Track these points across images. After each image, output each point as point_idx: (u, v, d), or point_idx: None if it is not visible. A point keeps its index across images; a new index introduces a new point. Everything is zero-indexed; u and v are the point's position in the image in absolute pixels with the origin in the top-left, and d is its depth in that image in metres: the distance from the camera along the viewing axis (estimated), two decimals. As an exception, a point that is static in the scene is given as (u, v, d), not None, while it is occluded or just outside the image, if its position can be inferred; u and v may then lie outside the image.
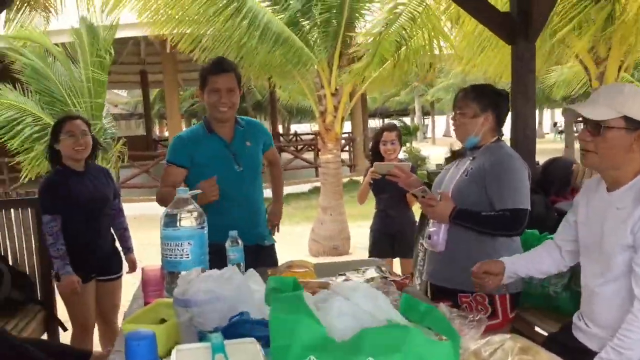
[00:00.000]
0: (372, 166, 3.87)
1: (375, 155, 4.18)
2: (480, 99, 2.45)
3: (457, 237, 2.45)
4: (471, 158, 2.49)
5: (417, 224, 4.17)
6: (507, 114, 2.56)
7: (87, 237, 3.17)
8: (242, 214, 2.74)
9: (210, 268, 2.01)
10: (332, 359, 1.05)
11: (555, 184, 3.54)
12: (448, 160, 2.72)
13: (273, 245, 3.00)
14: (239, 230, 2.40)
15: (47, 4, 6.33)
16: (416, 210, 3.75)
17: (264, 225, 2.97)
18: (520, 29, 3.41)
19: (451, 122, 2.60)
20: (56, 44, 8.40)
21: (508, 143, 3.68)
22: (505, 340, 1.27)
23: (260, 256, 2.76)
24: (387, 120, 38.42)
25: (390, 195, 4.11)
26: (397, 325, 1.09)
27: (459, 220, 2.38)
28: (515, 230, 2.38)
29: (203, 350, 1.27)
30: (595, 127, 1.85)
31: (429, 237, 2.53)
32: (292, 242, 8.07)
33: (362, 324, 1.14)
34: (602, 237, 1.90)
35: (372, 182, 4.06)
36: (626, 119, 1.81)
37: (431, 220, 2.55)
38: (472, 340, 1.30)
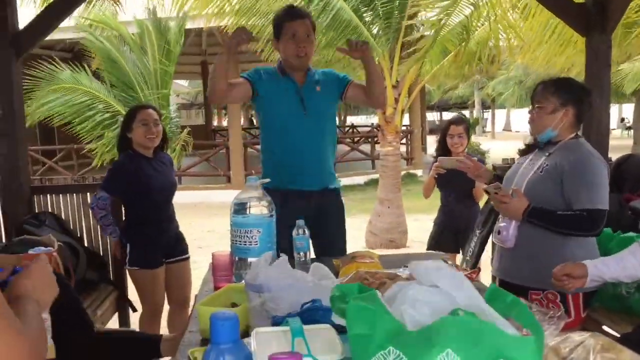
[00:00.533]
0: (437, 160, 3.81)
1: (443, 149, 4.10)
2: (560, 93, 2.37)
3: (529, 234, 2.40)
4: (547, 154, 2.42)
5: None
6: (588, 110, 2.47)
7: (157, 221, 3.29)
8: (306, 159, 2.72)
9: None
10: (411, 350, 1.06)
11: (630, 181, 3.41)
12: (522, 153, 2.66)
13: (338, 189, 2.93)
14: (302, 175, 2.46)
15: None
16: (482, 203, 3.69)
17: (329, 172, 2.89)
18: (595, 20, 3.29)
19: (528, 115, 2.52)
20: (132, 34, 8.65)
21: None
22: (586, 338, 1.24)
23: (325, 202, 2.77)
24: (445, 114, 37.78)
25: (456, 190, 4.05)
26: (474, 317, 1.08)
27: (533, 219, 2.33)
28: (592, 231, 2.32)
29: (282, 333, 1.30)
30: None
31: (499, 233, 2.48)
32: (349, 235, 8.06)
33: (438, 308, 1.13)
34: None
35: (437, 176, 3.96)
36: None
37: (501, 216, 2.51)
38: (550, 336, 1.28)
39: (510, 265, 2.50)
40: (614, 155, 3.88)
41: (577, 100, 2.38)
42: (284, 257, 1.78)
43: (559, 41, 6.86)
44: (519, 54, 8.52)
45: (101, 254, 3.91)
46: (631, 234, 2.76)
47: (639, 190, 3.39)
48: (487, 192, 2.49)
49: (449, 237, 4.15)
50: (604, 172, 2.34)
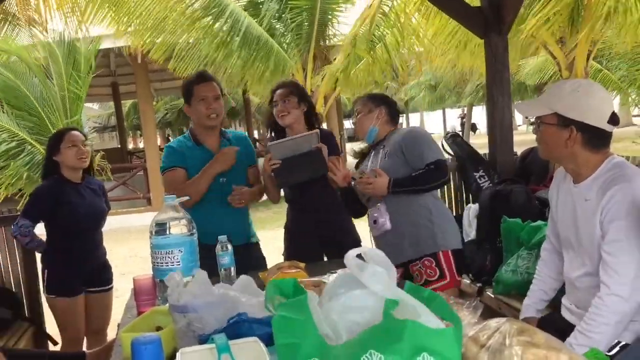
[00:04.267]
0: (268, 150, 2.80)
1: (275, 129, 3.03)
2: (372, 99, 2.83)
3: (395, 211, 2.67)
4: (382, 147, 2.75)
5: None
6: (397, 113, 2.88)
7: (82, 248, 3.18)
8: (226, 220, 2.79)
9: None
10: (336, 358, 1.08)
11: (535, 173, 3.60)
12: (358, 156, 2.98)
13: (258, 243, 3.05)
14: (224, 233, 2.44)
15: (31, 19, 6.26)
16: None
17: (249, 227, 3.02)
18: (492, 23, 3.47)
19: (351, 124, 2.85)
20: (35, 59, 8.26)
21: (484, 138, 3.76)
22: (502, 324, 1.30)
23: (247, 255, 2.81)
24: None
25: (307, 182, 2.86)
26: (393, 319, 1.11)
27: (397, 188, 2.60)
28: (444, 178, 2.65)
29: (208, 351, 1.28)
30: (538, 123, 1.97)
31: (375, 222, 2.72)
32: (276, 247, 8.04)
33: (368, 314, 1.16)
34: (576, 230, 1.95)
35: (273, 173, 2.79)
36: (558, 115, 1.88)
37: (370, 208, 2.77)
38: (469, 326, 1.33)
39: (392, 248, 2.64)
40: (522, 149, 4.07)
41: (385, 102, 2.83)
42: (202, 273, 1.75)
43: (461, 44, 7.17)
44: (427, 59, 8.84)
45: (14, 290, 3.70)
46: (539, 222, 2.92)
47: (544, 180, 3.59)
48: (352, 178, 2.72)
49: (312, 245, 2.99)
50: (428, 134, 2.76)
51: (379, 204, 2.71)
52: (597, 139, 1.87)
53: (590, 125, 1.85)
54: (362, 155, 2.95)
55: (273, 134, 3.05)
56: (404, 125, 36.75)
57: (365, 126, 2.79)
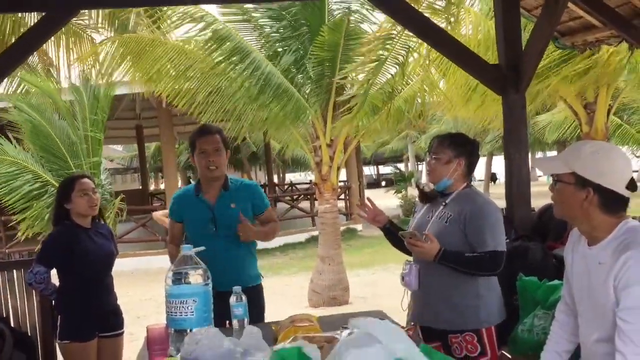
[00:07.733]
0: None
1: None
2: (454, 146, 2.63)
3: (436, 277, 2.59)
4: (443, 204, 2.64)
5: None
6: (477, 162, 2.75)
7: (94, 293, 3.21)
8: (222, 269, 2.79)
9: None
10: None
11: (552, 230, 3.55)
12: (421, 199, 2.84)
13: (257, 286, 3.13)
14: (221, 281, 2.51)
15: (48, 64, 6.51)
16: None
17: (247, 274, 3.09)
18: (510, 80, 3.51)
19: (425, 166, 2.76)
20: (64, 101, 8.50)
21: (503, 188, 3.76)
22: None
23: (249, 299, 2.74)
24: (381, 167, 38.43)
25: None
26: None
27: (444, 261, 2.51)
28: (494, 271, 2.55)
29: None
30: (555, 180, 1.97)
31: (403, 279, 2.70)
32: (291, 294, 8.01)
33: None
34: (589, 293, 1.91)
35: None
36: (576, 175, 1.87)
37: (404, 264, 2.72)
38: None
39: (428, 310, 2.66)
40: (542, 201, 4.01)
41: (468, 152, 2.65)
42: (216, 329, 1.78)
43: (481, 97, 7.24)
44: (445, 109, 8.93)
45: (29, 333, 3.71)
46: (556, 282, 2.87)
47: (561, 238, 3.53)
48: (402, 236, 2.64)
49: None
50: (501, 217, 2.61)
51: (412, 264, 2.68)
52: (613, 203, 1.86)
53: (608, 189, 1.84)
54: (426, 197, 2.82)
55: None
56: (424, 175, 36.74)
57: (438, 176, 2.65)
